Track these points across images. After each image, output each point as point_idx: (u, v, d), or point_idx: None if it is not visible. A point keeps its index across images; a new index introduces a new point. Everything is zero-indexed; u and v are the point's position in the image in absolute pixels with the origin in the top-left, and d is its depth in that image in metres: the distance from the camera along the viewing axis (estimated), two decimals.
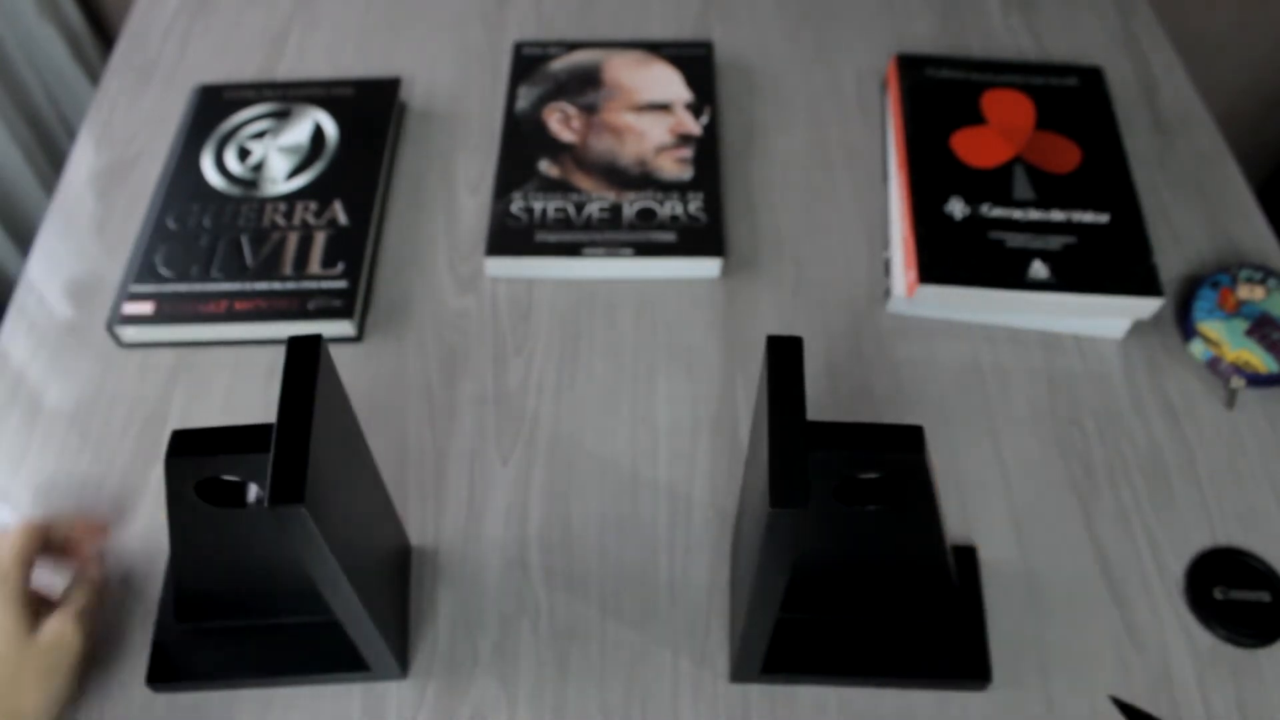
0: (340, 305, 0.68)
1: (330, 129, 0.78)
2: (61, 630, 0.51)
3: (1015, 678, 0.55)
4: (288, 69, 0.85)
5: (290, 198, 0.73)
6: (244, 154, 0.76)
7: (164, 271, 0.70)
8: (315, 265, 0.70)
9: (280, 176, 0.75)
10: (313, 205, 0.73)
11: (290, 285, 0.69)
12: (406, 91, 0.83)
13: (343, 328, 0.68)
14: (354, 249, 0.71)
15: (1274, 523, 0.61)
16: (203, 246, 0.71)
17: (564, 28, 0.88)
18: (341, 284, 0.69)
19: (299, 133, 0.78)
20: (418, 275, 0.72)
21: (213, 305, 0.68)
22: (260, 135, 0.77)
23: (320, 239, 0.71)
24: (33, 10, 1.06)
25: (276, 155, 0.76)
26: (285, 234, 0.71)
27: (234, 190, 0.74)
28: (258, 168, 0.75)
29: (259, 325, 0.68)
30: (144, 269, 0.70)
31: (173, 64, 0.86)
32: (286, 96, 0.80)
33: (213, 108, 0.80)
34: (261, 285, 0.69)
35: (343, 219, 0.72)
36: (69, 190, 0.78)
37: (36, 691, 0.50)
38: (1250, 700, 0.55)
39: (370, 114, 0.79)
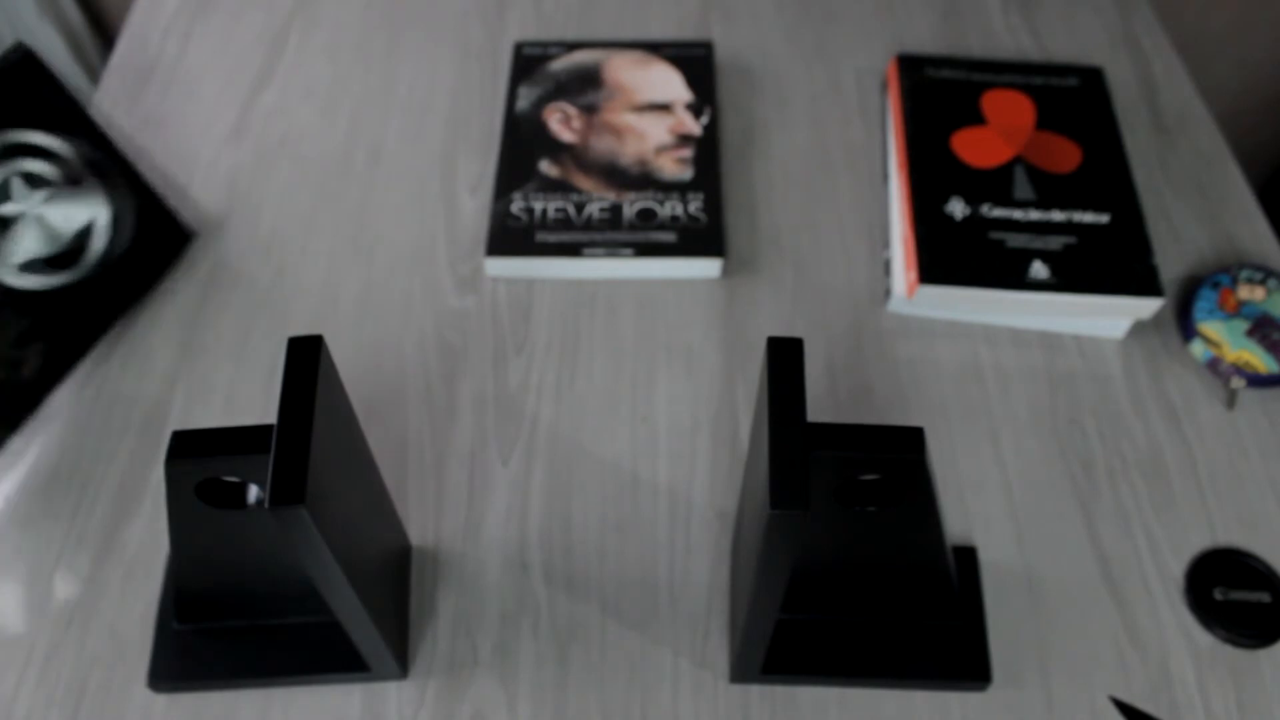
0: None
1: (100, 238, 0.56)
2: None
3: (1015, 678, 0.55)
4: (288, 69, 0.85)
5: (9, 300, 0.53)
6: (3, 190, 0.53)
7: None
8: None
9: (17, 259, 0.54)
10: (21, 325, 0.53)
11: None
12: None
13: None
14: (21, 412, 0.54)
15: (1274, 523, 0.61)
16: None
17: (564, 28, 0.88)
18: None
19: (72, 216, 0.55)
20: (418, 275, 0.72)
21: None
22: (39, 179, 0.53)
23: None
24: (33, 10, 1.06)
25: (34, 224, 0.54)
26: None
27: None
28: (5, 224, 0.53)
29: None
30: None
31: (173, 64, 0.86)
32: (91, 161, 0.57)
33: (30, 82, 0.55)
34: None
35: (31, 364, 0.54)
36: None
37: None
38: (1250, 701, 0.55)
39: (151, 254, 0.58)
